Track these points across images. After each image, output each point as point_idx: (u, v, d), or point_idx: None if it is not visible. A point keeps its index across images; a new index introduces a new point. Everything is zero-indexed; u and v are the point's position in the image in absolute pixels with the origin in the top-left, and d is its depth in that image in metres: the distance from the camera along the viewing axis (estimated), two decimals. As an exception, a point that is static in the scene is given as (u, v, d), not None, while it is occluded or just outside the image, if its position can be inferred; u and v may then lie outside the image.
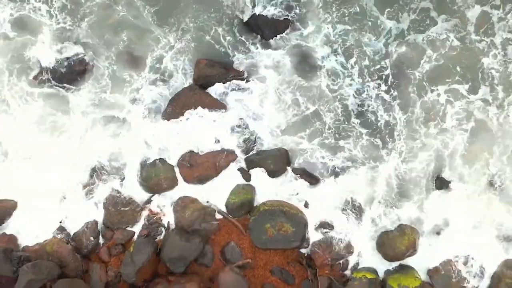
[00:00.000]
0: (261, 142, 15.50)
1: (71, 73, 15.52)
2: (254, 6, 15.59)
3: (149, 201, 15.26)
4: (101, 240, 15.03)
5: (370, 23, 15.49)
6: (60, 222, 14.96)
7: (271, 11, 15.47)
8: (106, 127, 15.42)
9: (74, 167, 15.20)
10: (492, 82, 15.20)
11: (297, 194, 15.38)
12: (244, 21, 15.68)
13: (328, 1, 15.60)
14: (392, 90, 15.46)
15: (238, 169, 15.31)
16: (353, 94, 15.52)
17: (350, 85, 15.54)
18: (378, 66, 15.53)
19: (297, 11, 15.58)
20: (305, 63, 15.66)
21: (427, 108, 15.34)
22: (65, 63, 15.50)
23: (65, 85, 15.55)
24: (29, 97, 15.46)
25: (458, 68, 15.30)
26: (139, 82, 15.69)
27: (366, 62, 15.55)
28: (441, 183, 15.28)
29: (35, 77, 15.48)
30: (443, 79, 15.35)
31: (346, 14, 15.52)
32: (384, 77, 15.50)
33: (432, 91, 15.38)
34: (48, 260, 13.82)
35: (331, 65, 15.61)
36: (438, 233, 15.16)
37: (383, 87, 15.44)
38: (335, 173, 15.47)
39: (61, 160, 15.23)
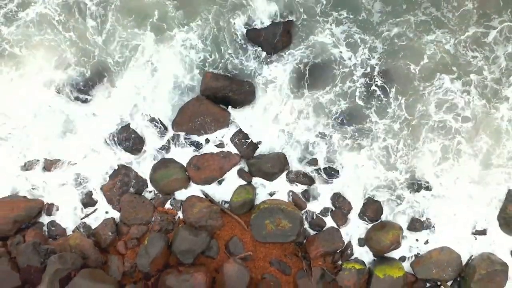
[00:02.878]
0: (262, 146, 15.96)
1: (86, 85, 15.85)
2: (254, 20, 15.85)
3: (161, 199, 15.71)
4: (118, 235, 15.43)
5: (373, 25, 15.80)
6: (82, 219, 15.53)
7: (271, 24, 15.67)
8: (120, 135, 15.72)
9: (94, 170, 15.71)
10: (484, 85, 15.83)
11: (294, 193, 15.94)
12: (247, 33, 15.87)
13: (333, 8, 15.81)
14: (389, 92, 15.86)
15: (240, 171, 15.86)
16: (352, 96, 15.97)
17: (353, 87, 15.95)
18: (379, 67, 15.90)
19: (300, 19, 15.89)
20: (307, 70, 16.00)
21: (422, 107, 15.82)
22: (81, 76, 15.82)
23: (81, 96, 15.81)
24: (54, 108, 15.75)
25: (453, 68, 15.69)
26: (151, 94, 15.89)
27: (366, 63, 15.87)
28: (423, 183, 15.91)
29: (58, 90, 15.81)
30: (436, 78, 15.77)
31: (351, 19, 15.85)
32: (382, 78, 15.92)
33: (426, 88, 15.78)
34: (71, 252, 14.20)
35: (336, 71, 16.00)
36: (419, 228, 15.79)
37: (382, 89, 15.88)
38: (329, 173, 15.92)
39: (82, 163, 15.71)
